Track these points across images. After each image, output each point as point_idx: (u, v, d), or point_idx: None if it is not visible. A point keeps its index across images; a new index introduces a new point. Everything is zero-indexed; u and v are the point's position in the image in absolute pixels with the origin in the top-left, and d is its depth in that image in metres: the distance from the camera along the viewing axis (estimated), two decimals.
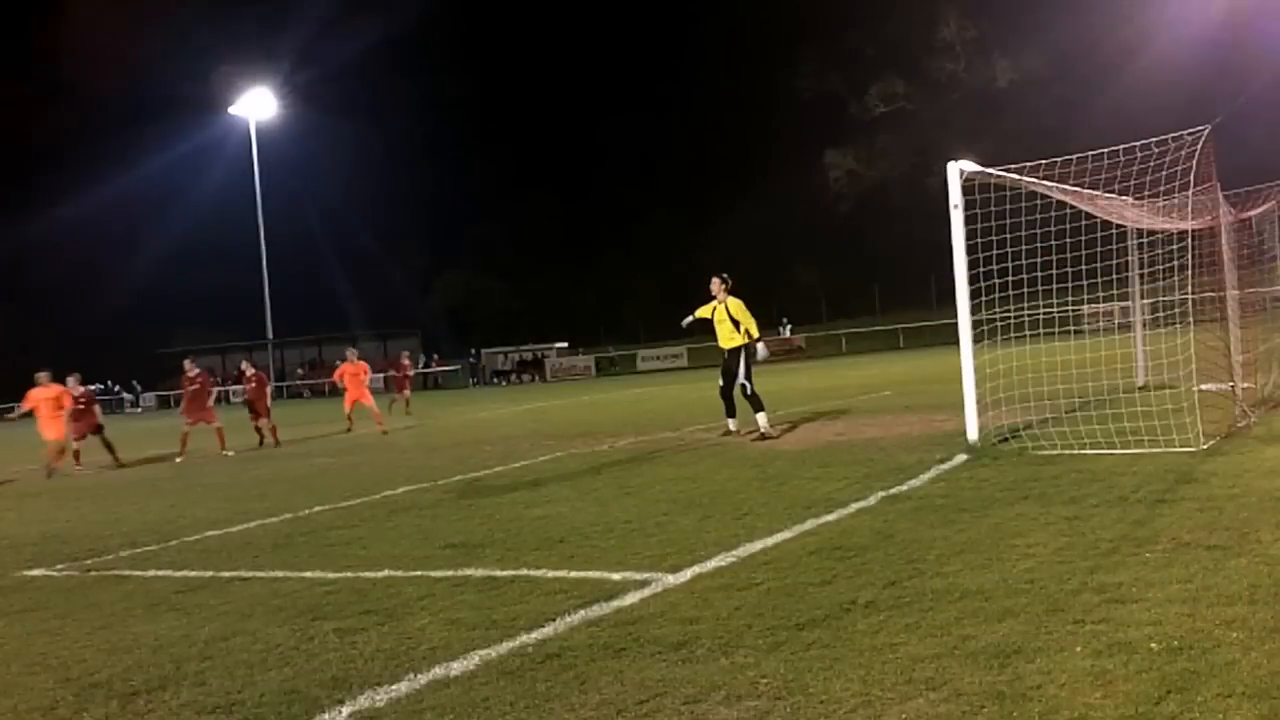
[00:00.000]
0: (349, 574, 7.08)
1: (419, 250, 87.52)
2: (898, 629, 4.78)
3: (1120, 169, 10.62)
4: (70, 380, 19.43)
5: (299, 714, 4.42)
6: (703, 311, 14.23)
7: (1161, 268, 12.23)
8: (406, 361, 32.92)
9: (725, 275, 14.13)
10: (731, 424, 14.03)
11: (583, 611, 5.53)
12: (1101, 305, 23.51)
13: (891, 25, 70.09)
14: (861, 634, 4.76)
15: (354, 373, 23.64)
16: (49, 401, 18.64)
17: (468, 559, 7.21)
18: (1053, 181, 10.87)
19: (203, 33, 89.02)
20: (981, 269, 10.96)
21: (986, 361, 11.51)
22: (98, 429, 19.56)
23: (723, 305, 13.91)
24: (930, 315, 49.94)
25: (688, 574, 6.19)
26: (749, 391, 13.64)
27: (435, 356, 68.38)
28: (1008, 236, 10.84)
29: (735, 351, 13.81)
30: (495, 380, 63.12)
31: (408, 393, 30.66)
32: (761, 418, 13.52)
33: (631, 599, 5.72)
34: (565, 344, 67.02)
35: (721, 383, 14.04)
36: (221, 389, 67.11)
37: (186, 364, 21.12)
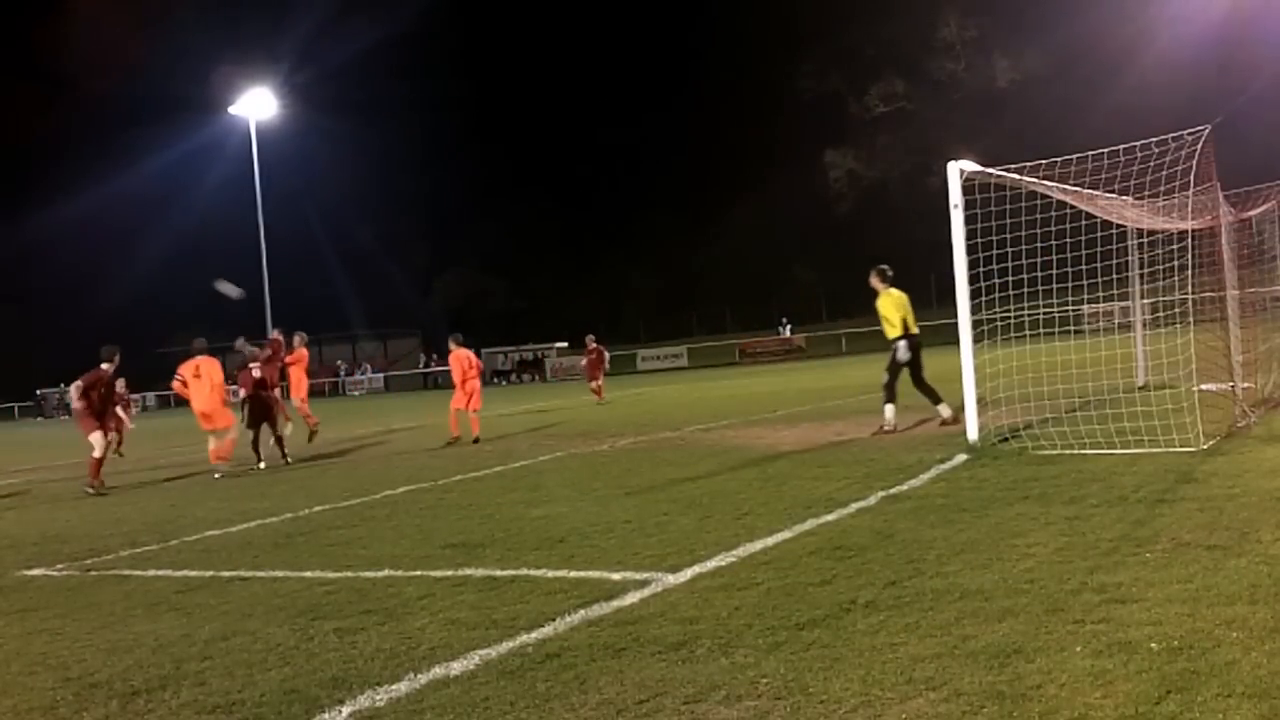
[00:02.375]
0: (349, 574, 7.08)
1: (419, 250, 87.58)
2: (898, 629, 4.78)
3: (1120, 169, 10.62)
4: (270, 331, 18.51)
5: (299, 714, 4.42)
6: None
7: (1161, 268, 12.23)
8: (595, 346, 28.69)
9: (882, 267, 13.48)
10: (944, 410, 13.05)
11: (583, 611, 5.53)
12: (1101, 305, 23.53)
13: (891, 25, 70.04)
14: (861, 634, 4.76)
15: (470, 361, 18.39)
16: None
17: (468, 559, 7.21)
18: (1053, 181, 10.87)
19: (203, 33, 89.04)
20: (981, 269, 10.96)
21: (986, 361, 11.50)
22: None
23: (876, 300, 13.50)
24: (930, 315, 49.72)
25: (688, 574, 6.19)
26: (884, 382, 13.21)
27: (435, 356, 68.42)
28: (1008, 236, 10.84)
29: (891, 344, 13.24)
30: (495, 380, 63.15)
31: (600, 380, 28.06)
32: (889, 410, 12.94)
33: (631, 599, 5.72)
34: (565, 344, 67.04)
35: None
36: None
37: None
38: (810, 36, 72.71)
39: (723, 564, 6.38)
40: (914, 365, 13.28)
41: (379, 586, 6.62)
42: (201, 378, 15.06)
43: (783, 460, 11.20)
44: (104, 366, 14.37)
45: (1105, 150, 10.58)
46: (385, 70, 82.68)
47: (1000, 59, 69.42)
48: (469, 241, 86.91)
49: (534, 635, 5.17)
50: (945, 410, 13.05)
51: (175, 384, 15.57)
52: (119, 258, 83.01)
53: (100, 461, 13.96)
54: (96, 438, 14.00)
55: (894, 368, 13.24)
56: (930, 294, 57.83)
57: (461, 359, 18.14)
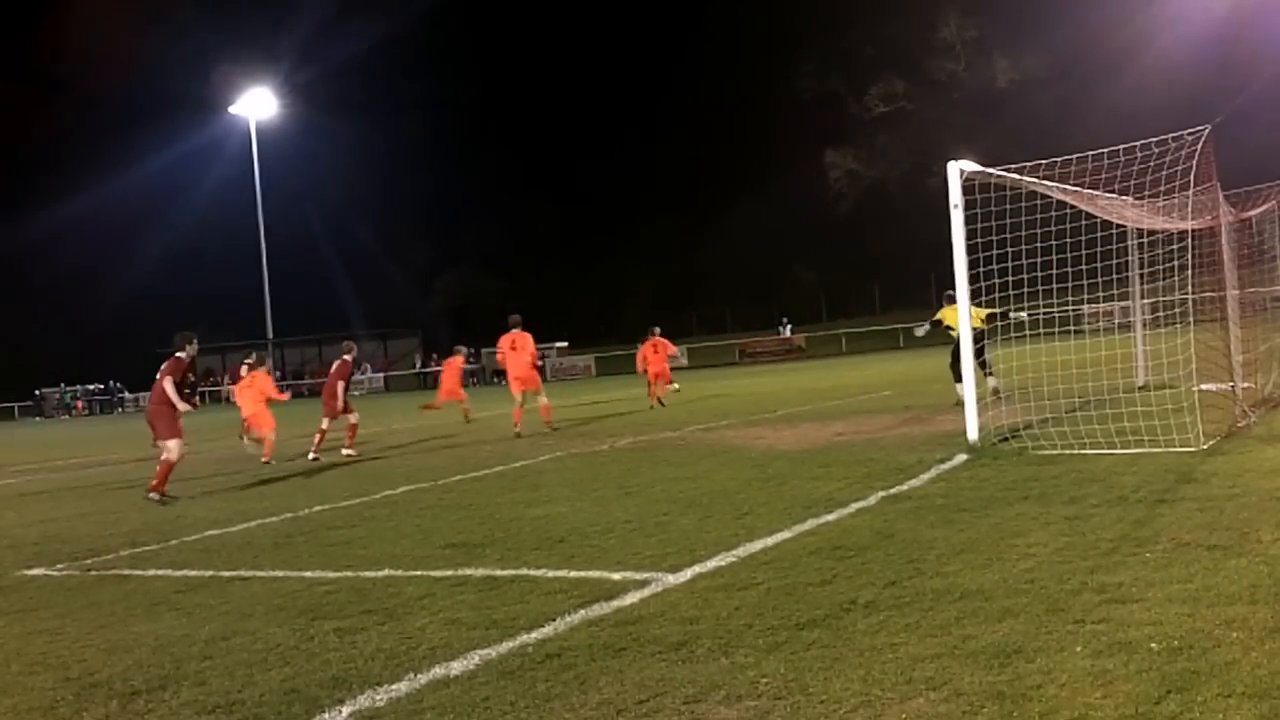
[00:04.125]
0: (349, 574, 7.08)
1: (419, 250, 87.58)
2: (898, 629, 4.78)
3: (1120, 169, 10.62)
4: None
5: (299, 714, 4.42)
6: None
7: (1161, 268, 12.23)
8: (661, 339, 30.14)
9: (949, 292, 15.35)
10: (991, 382, 14.96)
11: (583, 611, 5.53)
12: (1101, 305, 23.54)
13: (891, 25, 70.12)
14: (861, 634, 4.76)
15: (656, 347, 23.71)
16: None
17: (468, 559, 7.21)
18: (1053, 181, 10.86)
19: (203, 33, 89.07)
20: (981, 269, 10.96)
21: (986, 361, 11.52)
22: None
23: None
24: (930, 315, 49.86)
25: (688, 574, 6.19)
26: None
27: (435, 356, 68.44)
28: (1008, 236, 10.84)
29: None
30: (495, 380, 63.16)
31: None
32: (990, 380, 14.90)
33: (631, 599, 5.72)
34: (565, 344, 67.06)
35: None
36: (219, 388, 67.38)
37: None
38: (810, 36, 72.81)
39: (723, 564, 6.38)
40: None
41: (379, 586, 6.62)
42: (518, 349, 17.83)
43: (783, 460, 11.19)
44: (180, 355, 12.92)
45: (1105, 150, 10.58)
46: (386, 70, 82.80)
47: (1000, 59, 69.45)
48: (469, 241, 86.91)
49: (534, 635, 5.17)
50: (992, 382, 14.84)
51: (497, 356, 18.60)
52: (119, 257, 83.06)
53: (172, 467, 12.55)
54: (175, 444, 12.56)
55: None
56: (930, 294, 57.98)
57: (647, 348, 23.85)
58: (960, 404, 14.39)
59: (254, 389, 17.57)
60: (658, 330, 29.48)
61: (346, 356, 17.92)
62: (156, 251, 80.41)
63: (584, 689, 4.38)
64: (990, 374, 15.11)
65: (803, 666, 4.40)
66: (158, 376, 12.76)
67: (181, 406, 12.72)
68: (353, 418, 17.18)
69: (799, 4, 69.81)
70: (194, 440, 22.11)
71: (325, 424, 17.05)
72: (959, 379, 15.09)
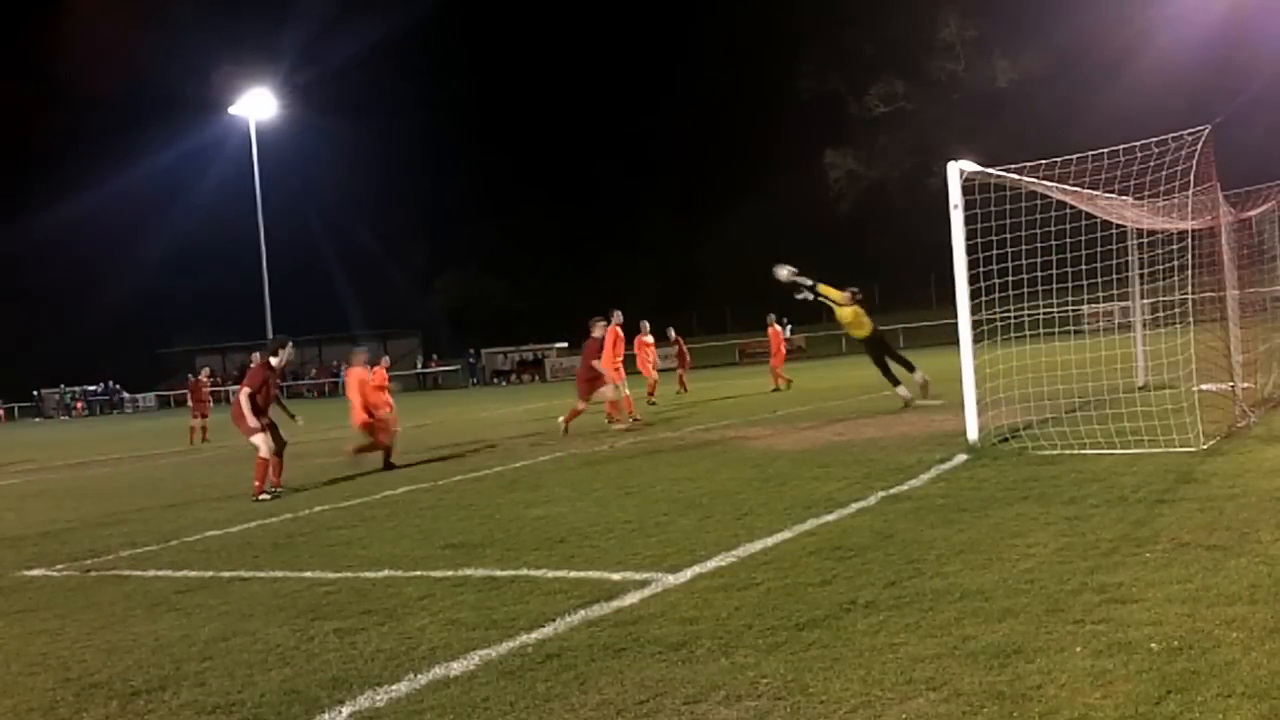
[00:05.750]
0: (349, 574, 7.08)
1: (419, 250, 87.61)
2: (898, 629, 4.78)
3: (1120, 169, 10.62)
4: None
5: (299, 714, 4.42)
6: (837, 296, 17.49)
7: (1161, 268, 12.23)
8: (677, 338, 30.75)
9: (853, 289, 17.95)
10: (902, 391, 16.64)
11: (583, 611, 5.53)
12: (1101, 305, 23.55)
13: (891, 25, 70.14)
14: (861, 634, 4.76)
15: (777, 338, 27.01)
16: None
17: (468, 559, 7.21)
18: (1053, 181, 10.86)
19: (203, 33, 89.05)
20: (981, 269, 10.96)
21: (986, 361, 11.52)
22: None
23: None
24: (930, 315, 49.90)
25: (688, 574, 6.19)
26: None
27: (435, 357, 68.50)
28: (1008, 236, 10.84)
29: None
30: (495, 380, 63.18)
31: (683, 371, 29.72)
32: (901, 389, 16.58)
33: (631, 599, 5.72)
34: (565, 344, 67.07)
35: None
36: (221, 388, 67.35)
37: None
38: (810, 36, 72.82)
39: (723, 564, 6.38)
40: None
41: (379, 586, 6.62)
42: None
43: (783, 460, 11.19)
44: (273, 361, 12.76)
45: (1105, 150, 10.57)
46: (385, 70, 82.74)
47: (1000, 59, 69.47)
48: (468, 241, 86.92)
49: (534, 635, 5.17)
50: (904, 391, 16.46)
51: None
52: (119, 258, 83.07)
53: (267, 463, 12.34)
54: (260, 439, 12.35)
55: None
56: (930, 294, 58.02)
57: (775, 336, 26.96)
58: (906, 406, 16.17)
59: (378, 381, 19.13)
60: (772, 317, 30.30)
61: (595, 334, 18.35)
62: (156, 251, 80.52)
63: (584, 689, 4.38)
64: (898, 384, 16.56)
65: (803, 666, 4.40)
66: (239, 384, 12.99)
67: (250, 422, 12.44)
68: (623, 389, 18.16)
69: (799, 4, 69.87)
70: (195, 440, 22.15)
71: (581, 405, 17.54)
72: (895, 382, 16.77)
